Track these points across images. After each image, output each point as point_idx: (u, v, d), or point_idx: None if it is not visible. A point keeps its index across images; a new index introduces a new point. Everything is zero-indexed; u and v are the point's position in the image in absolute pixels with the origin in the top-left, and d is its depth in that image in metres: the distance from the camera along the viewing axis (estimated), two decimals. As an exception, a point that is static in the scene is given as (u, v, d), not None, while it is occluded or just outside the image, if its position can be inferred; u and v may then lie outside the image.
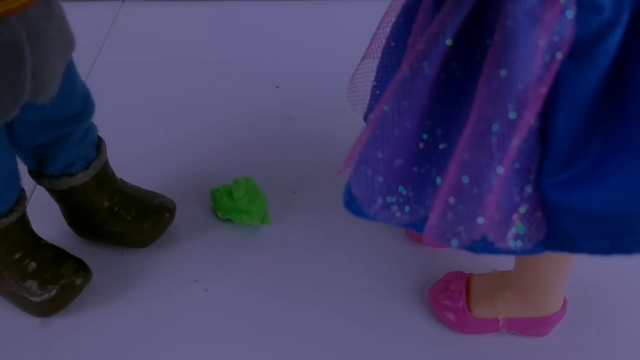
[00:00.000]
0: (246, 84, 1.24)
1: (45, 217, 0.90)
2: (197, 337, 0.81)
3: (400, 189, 0.56)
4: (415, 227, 0.58)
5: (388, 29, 0.69)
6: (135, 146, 1.09)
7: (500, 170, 0.48)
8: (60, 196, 0.84)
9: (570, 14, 0.44)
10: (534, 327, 0.77)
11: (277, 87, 1.24)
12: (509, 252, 0.54)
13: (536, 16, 0.44)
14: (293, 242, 0.93)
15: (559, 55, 0.45)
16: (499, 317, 0.77)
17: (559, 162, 0.51)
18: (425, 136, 0.55)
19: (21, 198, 0.78)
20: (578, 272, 0.82)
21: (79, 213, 0.87)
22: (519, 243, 0.53)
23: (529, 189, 0.52)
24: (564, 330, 0.79)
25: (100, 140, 0.85)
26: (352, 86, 0.78)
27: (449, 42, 0.49)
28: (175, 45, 1.37)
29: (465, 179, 0.49)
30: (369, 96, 0.75)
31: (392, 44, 0.68)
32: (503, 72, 0.45)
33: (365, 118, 0.78)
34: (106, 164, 0.86)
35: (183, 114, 1.17)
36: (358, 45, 1.33)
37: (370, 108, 0.76)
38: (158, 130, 1.13)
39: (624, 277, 0.87)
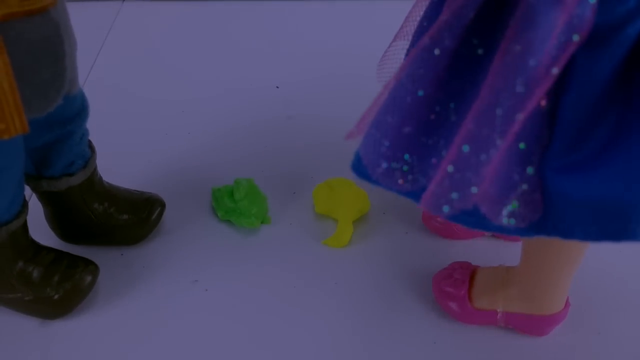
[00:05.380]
0: (246, 84, 1.24)
1: (39, 224, 0.90)
2: (197, 337, 0.81)
3: (406, 156, 0.57)
4: (414, 196, 0.58)
5: (422, 11, 0.70)
6: (135, 146, 1.09)
7: (501, 142, 0.48)
8: (54, 199, 0.84)
9: None
10: (533, 325, 0.77)
11: (277, 87, 1.24)
12: (501, 229, 0.54)
13: None
14: (293, 242, 0.93)
15: (576, 38, 0.45)
16: (498, 310, 0.78)
17: (563, 147, 0.51)
18: (437, 108, 0.55)
19: (25, 202, 0.78)
20: (578, 272, 0.81)
21: (71, 216, 0.87)
22: (512, 221, 0.53)
23: (530, 170, 0.52)
24: (564, 329, 0.79)
25: (89, 140, 0.86)
26: (382, 65, 0.77)
27: (471, 15, 0.49)
28: (175, 45, 1.37)
29: (466, 148, 0.50)
30: None
31: (425, 24, 0.68)
32: (518, 48, 0.46)
33: None
34: (96, 164, 0.87)
35: (183, 114, 1.17)
36: (358, 45, 1.34)
37: None
38: (158, 130, 1.13)
39: (623, 277, 0.87)
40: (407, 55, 0.72)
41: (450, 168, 0.51)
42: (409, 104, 0.54)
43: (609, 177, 0.50)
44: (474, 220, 0.54)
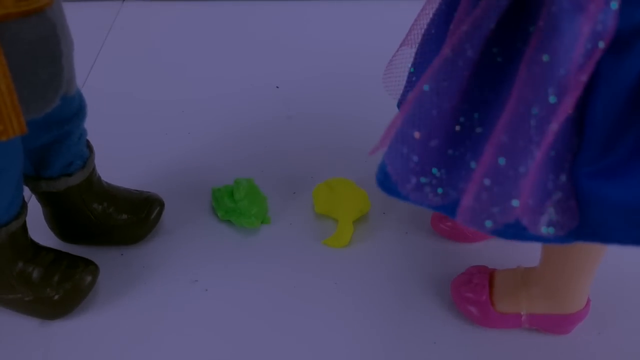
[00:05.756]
0: (246, 84, 1.24)
1: (38, 225, 0.90)
2: (197, 337, 0.81)
3: (434, 170, 0.57)
4: (446, 210, 0.58)
5: (428, 17, 0.70)
6: (135, 146, 1.09)
7: (537, 153, 0.48)
8: (53, 200, 0.84)
9: (614, 5, 0.44)
10: (557, 324, 0.77)
11: (277, 87, 1.24)
12: (540, 239, 0.54)
13: (581, 4, 0.44)
14: (293, 242, 0.93)
15: (601, 45, 0.46)
16: (522, 312, 0.77)
17: (595, 152, 0.51)
18: (462, 119, 0.55)
19: (25, 203, 0.78)
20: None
21: (70, 216, 0.87)
22: (551, 230, 0.53)
23: (563, 177, 0.52)
24: (564, 330, 0.79)
25: (87, 140, 0.86)
26: (388, 72, 0.77)
27: (492, 25, 0.49)
28: (175, 45, 1.37)
29: (502, 161, 0.50)
30: (404, 82, 0.75)
31: (433, 31, 0.68)
32: (545, 57, 0.46)
33: (399, 104, 0.78)
34: (94, 164, 0.87)
35: (183, 114, 1.17)
36: (358, 45, 1.34)
37: (405, 94, 0.76)
38: (158, 130, 1.13)
39: (623, 277, 0.87)
40: (414, 62, 0.72)
41: (487, 181, 0.51)
42: (435, 117, 0.54)
43: None
44: (512, 231, 0.54)
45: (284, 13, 1.47)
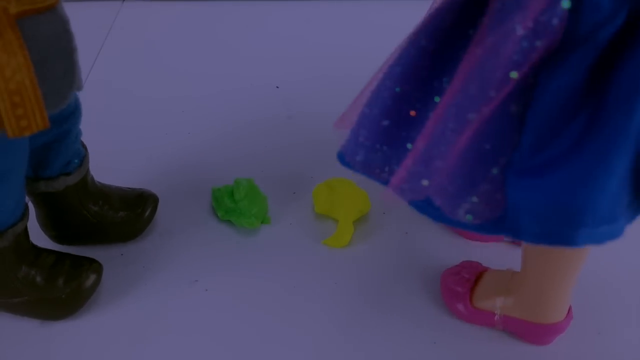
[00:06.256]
0: (246, 84, 1.24)
1: (31, 228, 0.89)
2: (198, 336, 0.81)
3: (384, 147, 0.60)
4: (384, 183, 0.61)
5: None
6: (135, 146, 1.09)
7: (453, 139, 0.51)
8: (49, 201, 0.84)
9: (566, 3, 0.44)
10: (533, 332, 0.77)
11: (277, 87, 1.24)
12: (460, 224, 0.57)
13: (523, 2, 0.45)
14: (293, 242, 0.93)
15: (539, 44, 0.45)
16: (496, 312, 0.78)
17: (528, 151, 0.52)
18: (418, 105, 0.58)
19: (27, 204, 0.79)
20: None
21: (65, 217, 0.87)
22: (469, 217, 0.56)
23: (495, 171, 0.54)
24: (564, 330, 0.79)
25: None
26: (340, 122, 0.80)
27: (448, 21, 0.52)
28: (175, 45, 1.37)
29: (421, 144, 0.54)
30: None
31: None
32: (478, 51, 0.48)
33: None
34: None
35: (183, 114, 1.17)
36: (358, 45, 1.34)
37: None
38: (158, 130, 1.13)
39: (623, 277, 0.87)
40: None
41: (409, 162, 0.55)
42: (386, 98, 0.57)
43: (559, 182, 0.51)
44: (436, 213, 0.57)
45: (285, 13, 1.47)
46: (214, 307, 0.84)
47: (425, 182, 0.54)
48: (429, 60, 0.55)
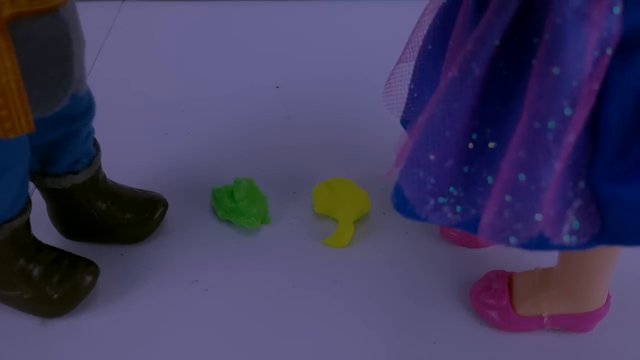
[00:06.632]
0: (246, 84, 1.24)
1: (42, 221, 0.90)
2: (197, 337, 0.81)
3: (452, 189, 0.57)
4: (466, 227, 0.59)
5: (424, 32, 0.70)
6: (135, 146, 1.09)
7: (558, 166, 0.49)
8: (58, 196, 0.84)
9: (617, 9, 0.45)
10: (578, 323, 0.77)
11: (277, 87, 1.24)
12: (563, 247, 0.54)
13: (584, 13, 0.44)
14: (293, 242, 0.93)
15: (609, 51, 0.46)
16: (544, 314, 0.77)
17: (611, 156, 0.51)
18: (474, 136, 0.55)
19: (29, 199, 0.79)
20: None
21: (74, 213, 0.87)
22: (574, 238, 0.54)
23: (581, 184, 0.53)
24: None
25: (95, 139, 0.86)
26: (388, 89, 0.78)
27: (496, 42, 0.50)
28: (175, 45, 1.37)
29: (522, 177, 0.50)
30: (405, 99, 0.76)
31: (429, 47, 0.69)
32: (555, 70, 0.46)
33: (402, 121, 0.79)
34: (100, 163, 0.87)
35: (183, 114, 1.17)
36: (357, 46, 1.34)
37: (407, 111, 0.76)
38: (158, 130, 1.13)
39: (623, 277, 0.87)
40: (413, 78, 0.72)
41: (508, 197, 0.51)
42: (448, 138, 0.54)
43: None
44: (535, 242, 0.54)
45: (285, 13, 1.47)
46: (214, 307, 0.84)
47: (539, 217, 0.51)
48: (480, 88, 0.53)
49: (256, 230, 0.94)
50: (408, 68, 0.74)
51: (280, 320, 0.83)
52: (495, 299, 0.79)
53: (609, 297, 0.77)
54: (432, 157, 0.55)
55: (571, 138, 0.48)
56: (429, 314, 0.83)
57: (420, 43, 0.71)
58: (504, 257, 0.87)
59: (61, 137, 0.77)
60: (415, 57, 0.73)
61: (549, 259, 0.77)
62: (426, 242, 0.92)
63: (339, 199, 0.95)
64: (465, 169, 0.57)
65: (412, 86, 0.73)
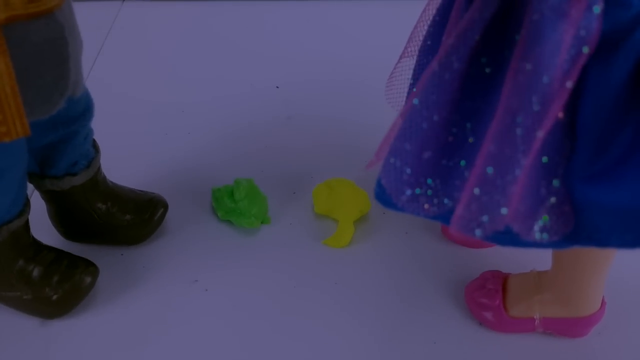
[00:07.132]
0: (246, 84, 1.24)
1: (42, 222, 0.90)
2: (197, 337, 0.81)
3: (429, 180, 0.58)
4: (442, 219, 0.59)
5: (425, 28, 0.70)
6: (135, 146, 1.09)
7: (524, 161, 0.49)
8: (57, 198, 0.84)
9: (597, 9, 0.44)
10: (572, 327, 0.77)
11: (277, 87, 1.24)
12: (535, 244, 0.55)
13: (562, 11, 0.45)
14: (293, 242, 0.93)
15: (585, 50, 0.46)
16: (535, 317, 0.77)
17: (587, 157, 0.51)
18: (454, 130, 0.56)
19: (28, 201, 0.78)
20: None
21: (73, 214, 0.87)
22: (545, 236, 0.54)
23: (556, 183, 0.53)
24: (564, 330, 0.79)
25: (94, 140, 0.86)
26: (389, 85, 0.78)
27: (477, 37, 0.50)
28: (175, 45, 1.37)
29: (490, 170, 0.50)
30: (405, 95, 0.76)
31: (429, 42, 0.69)
32: (528, 66, 0.46)
33: None
34: (100, 164, 0.87)
35: (183, 114, 1.17)
36: (358, 46, 1.34)
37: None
38: (158, 130, 1.13)
39: (623, 277, 0.87)
40: (413, 74, 0.73)
41: (476, 190, 0.51)
42: (426, 129, 0.55)
43: (636, 183, 0.50)
44: (507, 238, 0.54)
45: (285, 14, 1.47)
46: (214, 307, 0.84)
47: (504, 211, 0.51)
48: (460, 83, 0.53)
49: (256, 230, 0.94)
50: (410, 63, 0.74)
51: (280, 320, 0.83)
52: (488, 299, 0.79)
53: (603, 302, 0.76)
54: (408, 147, 0.56)
55: (540, 134, 0.48)
56: (429, 314, 0.83)
57: (421, 39, 0.71)
58: (505, 257, 0.87)
59: (59, 139, 0.77)
60: (417, 52, 0.73)
61: (547, 261, 0.77)
62: (427, 242, 0.92)
63: (339, 199, 0.95)
64: (444, 161, 0.57)
65: (412, 81, 0.73)
